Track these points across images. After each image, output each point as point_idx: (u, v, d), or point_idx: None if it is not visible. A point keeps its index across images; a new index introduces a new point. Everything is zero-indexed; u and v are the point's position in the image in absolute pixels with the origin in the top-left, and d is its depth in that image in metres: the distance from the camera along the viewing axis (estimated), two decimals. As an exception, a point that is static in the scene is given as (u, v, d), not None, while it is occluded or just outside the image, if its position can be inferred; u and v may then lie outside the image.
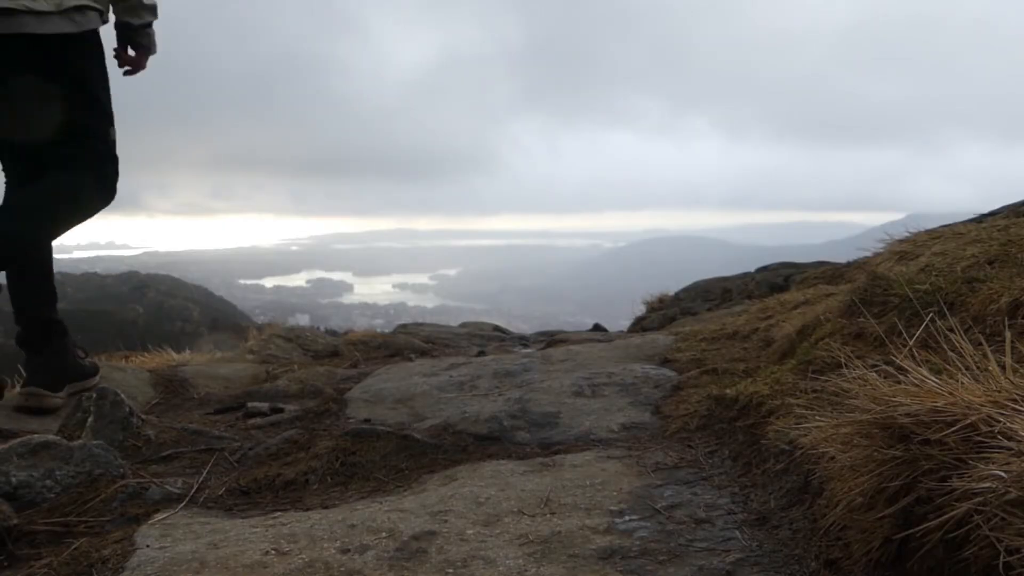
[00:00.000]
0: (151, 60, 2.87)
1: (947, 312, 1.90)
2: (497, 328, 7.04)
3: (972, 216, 4.52)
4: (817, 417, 1.52)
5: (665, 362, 3.28)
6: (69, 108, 2.50)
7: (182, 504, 1.94)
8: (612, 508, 1.72)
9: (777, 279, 6.37)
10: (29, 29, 2.28)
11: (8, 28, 2.27)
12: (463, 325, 7.16)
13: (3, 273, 2.52)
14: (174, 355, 4.62)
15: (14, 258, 2.53)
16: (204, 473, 2.21)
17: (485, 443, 2.42)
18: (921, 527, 1.11)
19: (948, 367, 1.29)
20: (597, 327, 6.87)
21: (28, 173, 2.58)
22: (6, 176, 2.73)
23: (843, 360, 1.73)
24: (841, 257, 5.84)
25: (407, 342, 5.04)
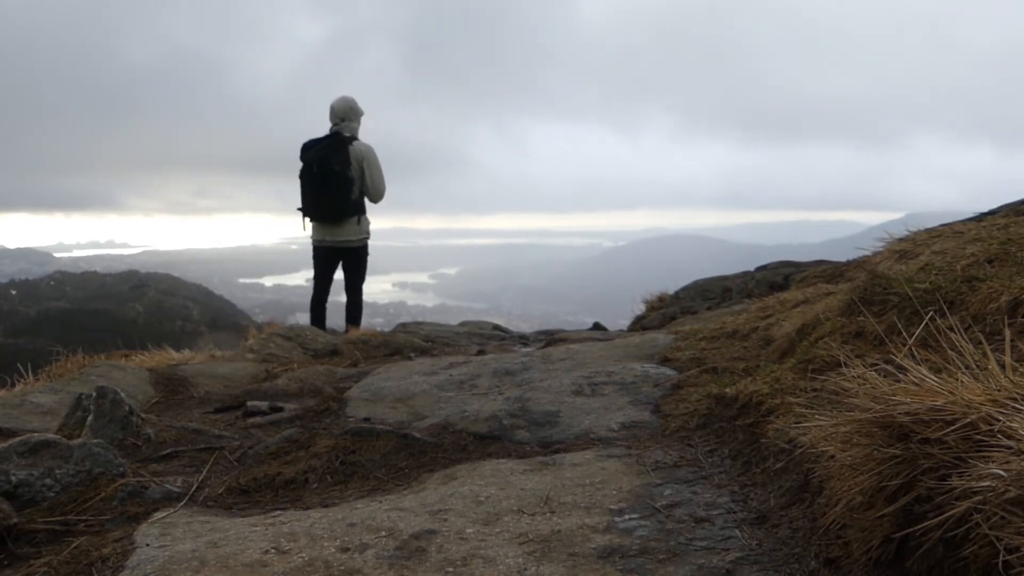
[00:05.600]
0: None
1: (947, 311, 1.90)
2: (497, 327, 7.05)
3: (972, 215, 4.52)
4: (817, 416, 1.52)
5: (665, 361, 3.28)
6: (360, 269, 6.75)
7: (182, 503, 1.94)
8: (612, 507, 1.72)
9: (777, 278, 6.37)
10: (350, 244, 6.51)
11: (341, 245, 6.50)
12: (463, 324, 7.16)
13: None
14: (174, 354, 4.62)
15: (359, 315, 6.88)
16: (204, 472, 2.21)
17: (485, 442, 2.42)
18: (921, 526, 1.11)
19: (948, 366, 1.29)
20: (597, 326, 6.87)
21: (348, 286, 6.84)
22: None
23: (843, 359, 1.73)
24: (841, 256, 5.84)
25: (407, 341, 5.04)
